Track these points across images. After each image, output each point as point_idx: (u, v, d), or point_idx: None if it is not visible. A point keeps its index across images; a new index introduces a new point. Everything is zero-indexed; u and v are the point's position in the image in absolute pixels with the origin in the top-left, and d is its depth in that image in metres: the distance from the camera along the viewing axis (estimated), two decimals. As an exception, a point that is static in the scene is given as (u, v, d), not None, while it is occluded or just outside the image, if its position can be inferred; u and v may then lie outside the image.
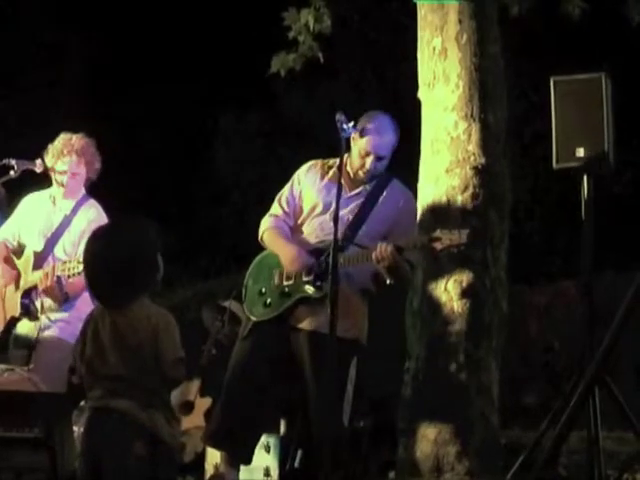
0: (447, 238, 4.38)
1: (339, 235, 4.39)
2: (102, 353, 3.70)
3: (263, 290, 4.77)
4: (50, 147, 5.32)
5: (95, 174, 5.41)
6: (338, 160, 4.50)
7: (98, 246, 3.78)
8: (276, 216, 4.91)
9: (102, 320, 3.76)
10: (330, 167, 4.88)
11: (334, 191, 4.35)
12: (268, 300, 4.73)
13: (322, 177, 4.86)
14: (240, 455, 4.76)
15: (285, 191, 4.93)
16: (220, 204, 13.31)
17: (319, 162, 4.95)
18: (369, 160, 4.74)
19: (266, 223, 4.92)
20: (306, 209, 4.84)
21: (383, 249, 4.46)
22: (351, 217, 4.71)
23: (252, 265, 4.93)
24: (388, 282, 4.60)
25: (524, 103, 9.65)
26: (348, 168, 4.80)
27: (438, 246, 4.42)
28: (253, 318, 4.77)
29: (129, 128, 12.77)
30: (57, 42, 12.99)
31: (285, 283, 4.71)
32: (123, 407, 3.64)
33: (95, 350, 3.72)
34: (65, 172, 5.29)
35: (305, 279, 4.64)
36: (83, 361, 3.76)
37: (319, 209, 4.79)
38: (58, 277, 5.03)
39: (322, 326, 4.45)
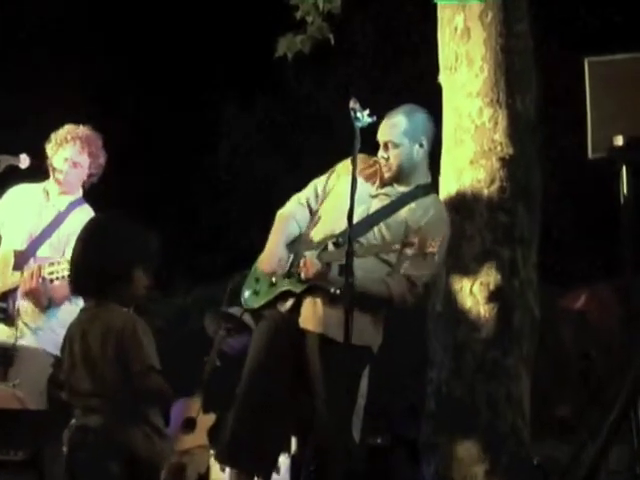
0: (417, 245, 4.42)
1: (342, 228, 4.41)
2: (75, 369, 3.75)
3: (259, 278, 4.81)
4: (53, 135, 5.36)
5: (97, 171, 5.41)
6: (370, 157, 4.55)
7: (85, 232, 3.87)
8: (298, 202, 4.92)
9: (75, 335, 3.80)
10: (368, 166, 4.85)
11: (363, 188, 4.35)
12: (258, 288, 4.79)
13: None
14: (259, 471, 4.75)
15: (321, 180, 4.94)
16: (223, 201, 13.31)
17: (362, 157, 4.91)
18: (381, 149, 4.75)
19: (285, 206, 4.94)
20: (333, 202, 4.81)
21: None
22: (367, 214, 4.70)
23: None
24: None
25: (556, 86, 9.62)
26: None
27: (408, 252, 4.45)
28: (243, 301, 4.89)
29: (119, 116, 12.76)
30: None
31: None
32: (97, 425, 3.68)
33: (70, 367, 3.77)
34: (66, 160, 5.30)
35: (293, 270, 4.66)
36: (64, 379, 3.81)
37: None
38: (43, 278, 5.03)
39: (331, 330, 4.46)
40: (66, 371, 3.79)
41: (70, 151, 5.30)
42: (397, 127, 4.73)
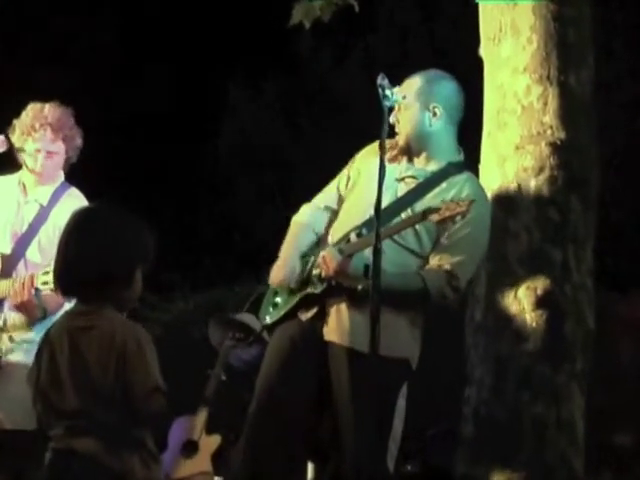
0: (445, 208, 4.33)
1: (366, 218, 4.43)
2: (59, 383, 3.71)
3: (277, 290, 4.81)
4: (16, 122, 5.32)
5: (75, 153, 5.41)
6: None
7: (79, 224, 3.83)
8: (316, 207, 4.90)
9: (60, 342, 3.76)
10: (392, 147, 4.80)
11: (387, 171, 4.31)
12: (278, 300, 4.78)
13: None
14: None
15: (342, 178, 4.89)
16: (229, 195, 13.35)
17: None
18: (393, 113, 4.62)
19: (299, 211, 4.92)
20: (358, 196, 4.79)
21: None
22: (393, 200, 4.67)
23: None
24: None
25: (615, 61, 9.64)
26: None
27: (435, 218, 4.36)
28: (264, 321, 4.84)
29: (110, 97, 12.81)
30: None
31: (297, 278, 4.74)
32: (87, 448, 3.66)
33: (51, 379, 3.73)
34: (39, 152, 5.30)
35: (315, 272, 4.65)
36: (38, 392, 3.78)
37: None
38: (36, 289, 5.05)
39: (358, 341, 4.45)
40: (44, 385, 3.76)
41: (42, 142, 5.26)
42: (409, 88, 4.65)
